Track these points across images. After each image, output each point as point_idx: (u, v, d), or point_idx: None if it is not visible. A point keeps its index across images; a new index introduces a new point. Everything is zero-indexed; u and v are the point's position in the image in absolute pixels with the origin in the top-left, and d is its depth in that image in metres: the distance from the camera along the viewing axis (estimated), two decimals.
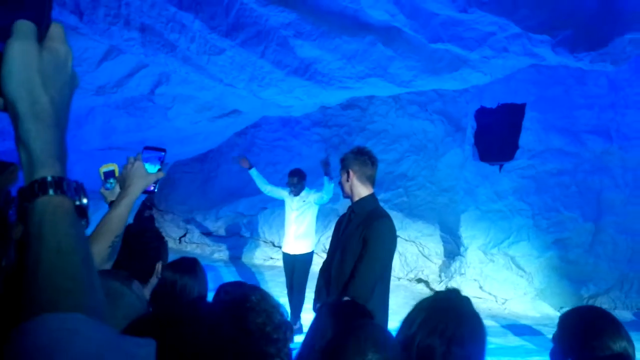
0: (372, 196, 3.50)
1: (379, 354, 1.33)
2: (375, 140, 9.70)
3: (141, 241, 2.26)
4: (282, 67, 6.01)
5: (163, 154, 1.93)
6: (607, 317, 1.94)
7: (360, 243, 3.25)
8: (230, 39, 5.40)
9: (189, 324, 0.88)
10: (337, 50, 5.75)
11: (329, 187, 6.41)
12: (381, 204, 9.30)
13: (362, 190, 3.46)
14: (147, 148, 1.93)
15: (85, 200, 0.76)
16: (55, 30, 0.75)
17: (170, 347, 0.82)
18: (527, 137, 8.32)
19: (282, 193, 6.84)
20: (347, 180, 3.46)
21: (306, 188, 6.69)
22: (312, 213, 6.70)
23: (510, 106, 8.50)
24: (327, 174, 6.41)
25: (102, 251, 1.65)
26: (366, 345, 1.33)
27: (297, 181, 6.63)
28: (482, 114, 8.82)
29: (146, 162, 1.87)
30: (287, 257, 6.70)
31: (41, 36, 0.74)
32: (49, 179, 0.71)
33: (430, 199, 9.21)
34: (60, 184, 0.72)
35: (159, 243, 2.42)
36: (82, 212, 0.75)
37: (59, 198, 0.71)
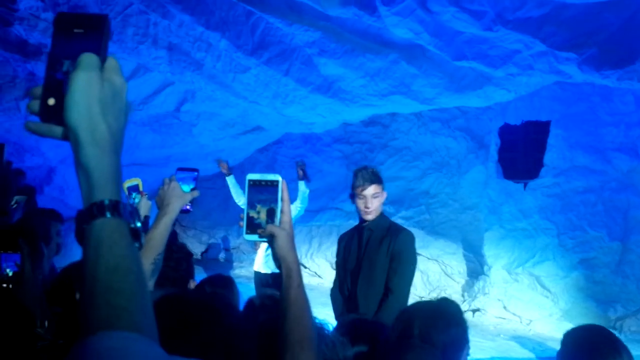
0: (382, 212, 3.58)
1: None
2: (397, 157, 9.68)
3: (170, 265, 2.32)
4: (306, 85, 6.07)
5: (196, 174, 1.99)
6: (610, 337, 1.93)
7: (389, 257, 3.34)
8: (256, 58, 5.49)
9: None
10: (360, 68, 5.79)
11: (305, 194, 5.99)
12: (402, 221, 9.26)
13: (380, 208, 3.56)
14: (180, 169, 1.99)
15: (139, 224, 0.79)
16: (111, 63, 0.80)
17: None
18: (551, 155, 8.22)
19: None
20: (382, 198, 3.51)
21: None
22: None
23: (534, 123, 8.42)
24: (303, 178, 6.00)
25: (145, 269, 1.69)
26: None
27: None
28: (506, 131, 8.75)
29: (180, 182, 1.92)
30: (260, 276, 6.19)
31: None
32: (107, 202, 0.74)
33: (453, 216, 9.13)
34: (117, 207, 0.75)
35: (188, 263, 2.47)
36: (136, 234, 0.79)
37: (115, 220, 0.74)
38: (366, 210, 3.43)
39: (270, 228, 1.39)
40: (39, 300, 1.86)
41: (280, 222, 1.42)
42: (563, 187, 8.08)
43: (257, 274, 6.30)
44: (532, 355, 6.82)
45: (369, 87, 6.17)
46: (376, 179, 3.46)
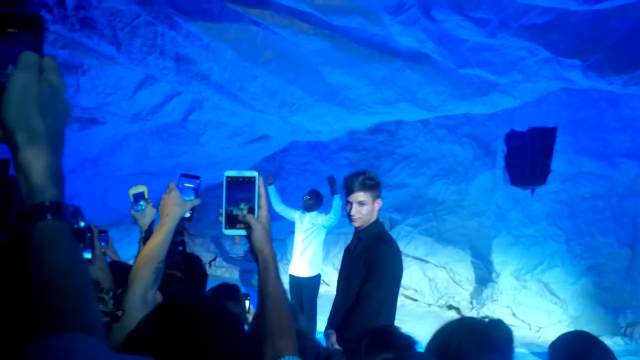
0: (377, 220, 3.35)
1: None
2: (404, 164, 9.68)
3: (201, 271, 2.36)
4: (312, 93, 6.11)
5: (198, 181, 2.01)
6: (595, 343, 1.94)
7: (365, 268, 3.16)
8: (262, 67, 5.53)
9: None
10: (366, 76, 5.82)
11: (338, 207, 6.35)
12: (410, 228, 9.17)
13: (374, 216, 3.33)
14: (183, 175, 2.00)
15: (82, 224, 0.80)
16: (49, 62, 0.79)
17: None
18: (558, 161, 8.20)
19: (294, 214, 6.90)
20: (375, 208, 3.30)
21: (316, 211, 6.72)
22: (319, 236, 6.70)
23: (541, 129, 8.41)
24: (335, 192, 6.40)
25: (147, 277, 1.72)
26: None
27: (312, 199, 6.73)
28: (512, 138, 8.75)
29: (182, 189, 1.94)
30: (293, 279, 6.63)
31: None
32: (47, 203, 0.74)
33: (461, 223, 9.11)
34: (58, 208, 0.75)
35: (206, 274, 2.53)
36: (79, 234, 0.79)
37: (56, 222, 0.74)
38: (351, 216, 3.26)
39: (248, 219, 1.45)
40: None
41: (257, 217, 1.47)
42: (570, 193, 8.05)
43: (290, 277, 6.64)
44: None
45: (375, 95, 6.20)
46: (367, 186, 3.21)
